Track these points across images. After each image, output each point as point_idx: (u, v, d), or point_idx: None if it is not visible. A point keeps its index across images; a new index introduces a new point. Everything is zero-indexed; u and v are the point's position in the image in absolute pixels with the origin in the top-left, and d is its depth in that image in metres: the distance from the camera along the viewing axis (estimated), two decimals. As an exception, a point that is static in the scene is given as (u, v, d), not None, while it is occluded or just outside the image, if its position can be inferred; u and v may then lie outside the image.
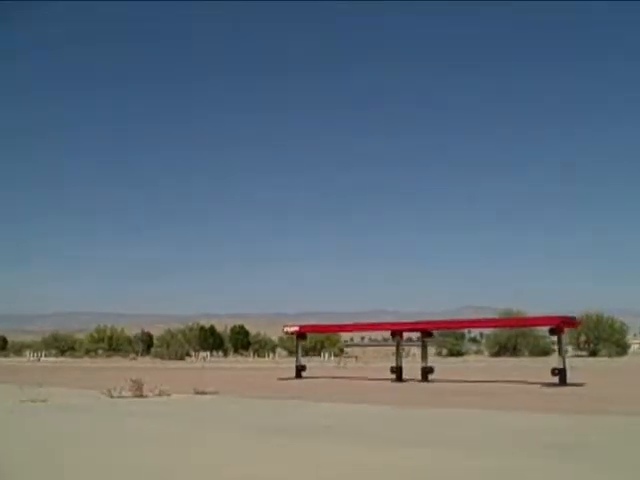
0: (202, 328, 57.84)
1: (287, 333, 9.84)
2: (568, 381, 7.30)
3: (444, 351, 54.45)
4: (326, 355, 45.92)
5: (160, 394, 5.73)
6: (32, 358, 41.91)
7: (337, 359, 30.33)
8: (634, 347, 54.14)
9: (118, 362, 29.04)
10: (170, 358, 48.23)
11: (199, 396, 5.73)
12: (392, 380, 8.14)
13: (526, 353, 46.42)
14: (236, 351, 57.92)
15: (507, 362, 20.29)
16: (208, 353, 52.07)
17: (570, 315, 7.45)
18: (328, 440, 2.76)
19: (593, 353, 45.13)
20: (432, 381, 8.01)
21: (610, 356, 40.83)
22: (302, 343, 9.38)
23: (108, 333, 56.15)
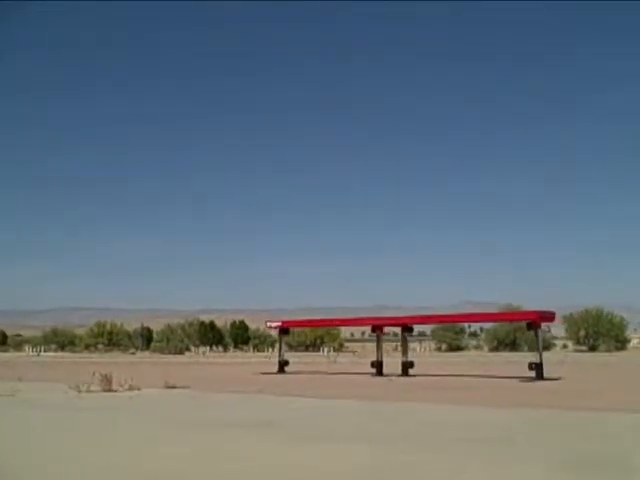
0: (202, 323, 57.86)
1: (270, 328, 9.80)
2: (547, 375, 7.27)
3: (444, 346, 54.49)
4: (326, 350, 45.97)
5: (130, 389, 5.70)
6: (31, 353, 42.00)
7: (331, 354, 30.33)
8: (634, 342, 54.07)
9: (117, 357, 29.10)
10: (170, 353, 48.25)
11: (169, 390, 5.71)
12: (372, 375, 8.11)
13: (525, 348, 46.42)
14: (236, 346, 57.95)
15: (502, 357, 20.29)
16: (208, 348, 52.13)
17: (549, 310, 7.40)
18: (257, 435, 2.74)
19: (593, 348, 45.08)
20: (412, 375, 7.97)
21: (609, 351, 40.77)
22: (285, 338, 9.31)
23: (108, 328, 56.19)
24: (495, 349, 45.45)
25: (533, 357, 24.41)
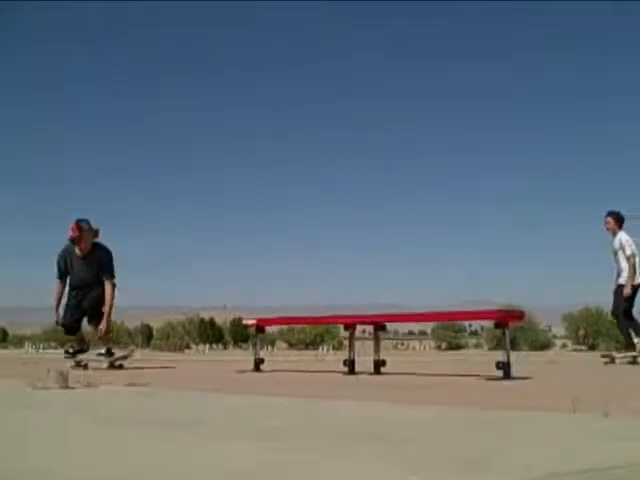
0: (202, 320, 58.05)
1: (246, 326, 9.80)
2: (518, 375, 7.26)
3: (443, 345, 54.59)
4: (324, 348, 46.12)
5: (87, 386, 5.71)
6: (30, 350, 42.17)
7: (319, 353, 30.36)
8: (634, 341, 53.90)
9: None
10: (169, 350, 48.42)
11: (126, 388, 5.71)
12: (344, 373, 8.11)
13: (525, 347, 46.42)
14: (236, 343, 58.13)
15: (497, 356, 20.19)
16: (207, 345, 52.28)
17: (517, 309, 7.37)
18: (173, 433, 2.78)
19: (592, 347, 45.04)
20: (383, 374, 7.97)
21: (609, 350, 40.71)
22: (261, 336, 9.32)
23: (108, 325, 56.32)
24: (495, 348, 45.48)
25: (523, 356, 24.11)
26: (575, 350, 44.13)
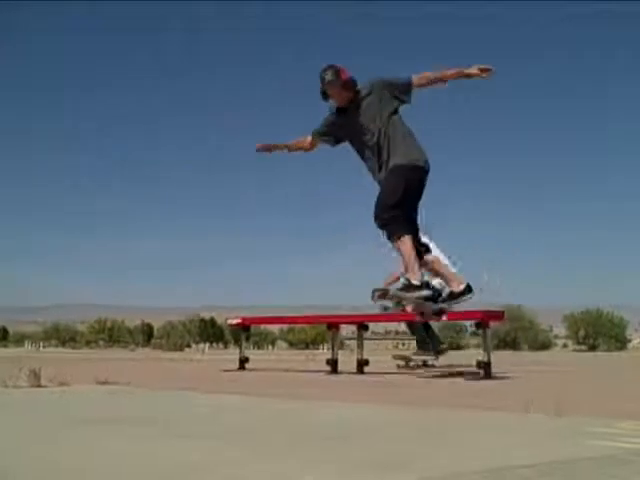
0: (202, 320, 58.13)
1: (230, 325, 9.81)
2: (500, 375, 7.27)
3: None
4: (324, 348, 46.17)
5: (60, 384, 5.72)
6: (30, 348, 42.31)
7: (309, 352, 30.35)
8: (634, 342, 53.86)
9: (114, 353, 29.24)
10: (169, 349, 48.54)
11: (98, 386, 5.73)
12: (327, 373, 8.12)
13: (525, 347, 46.37)
14: (236, 343, 58.12)
15: (495, 355, 20.19)
16: (207, 345, 52.37)
17: (497, 309, 7.38)
18: (124, 432, 2.82)
19: (593, 348, 44.96)
20: (366, 373, 7.98)
21: (609, 351, 40.66)
22: (245, 335, 9.33)
23: (109, 324, 56.57)
24: (495, 348, 45.41)
25: (534, 356, 24.17)
26: (576, 350, 44.10)
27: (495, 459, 2.20)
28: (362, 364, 8.38)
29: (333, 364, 8.37)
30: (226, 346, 56.74)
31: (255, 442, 2.58)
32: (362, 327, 8.49)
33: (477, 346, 55.56)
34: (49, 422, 3.24)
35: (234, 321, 9.56)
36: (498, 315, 7.38)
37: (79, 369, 9.84)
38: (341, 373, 8.38)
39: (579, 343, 47.34)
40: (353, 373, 8.35)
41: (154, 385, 6.34)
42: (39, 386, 5.67)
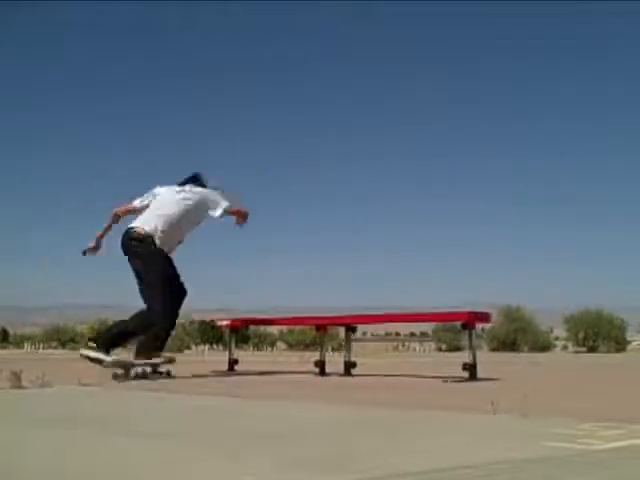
0: (203, 322, 58.15)
1: (220, 327, 9.82)
2: (487, 377, 7.27)
3: (444, 346, 54.49)
4: (324, 349, 45.85)
5: (41, 385, 5.73)
6: (29, 350, 42.32)
7: (303, 355, 30.30)
8: (634, 343, 53.74)
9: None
10: (169, 351, 48.36)
11: (78, 387, 5.74)
12: (315, 374, 8.12)
13: (525, 349, 46.25)
14: (236, 345, 58.12)
15: (496, 356, 20.30)
16: (207, 347, 52.40)
17: (483, 310, 7.36)
18: (76, 431, 2.86)
19: (592, 349, 44.84)
20: (353, 375, 7.99)
21: (609, 352, 40.54)
22: (234, 336, 9.34)
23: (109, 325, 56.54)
24: (495, 350, 45.31)
25: (534, 357, 24.17)
26: (576, 352, 44.01)
27: (441, 460, 2.20)
28: (349, 366, 8.37)
29: (321, 366, 8.37)
30: (226, 348, 56.72)
31: (200, 441, 2.59)
32: (350, 329, 8.48)
33: (478, 347, 55.56)
34: (14, 423, 3.26)
35: (223, 323, 9.57)
36: (484, 316, 7.37)
37: (70, 370, 9.84)
38: (329, 375, 8.38)
39: (579, 345, 47.21)
40: (341, 375, 8.35)
41: (131, 385, 6.35)
42: (20, 387, 5.69)
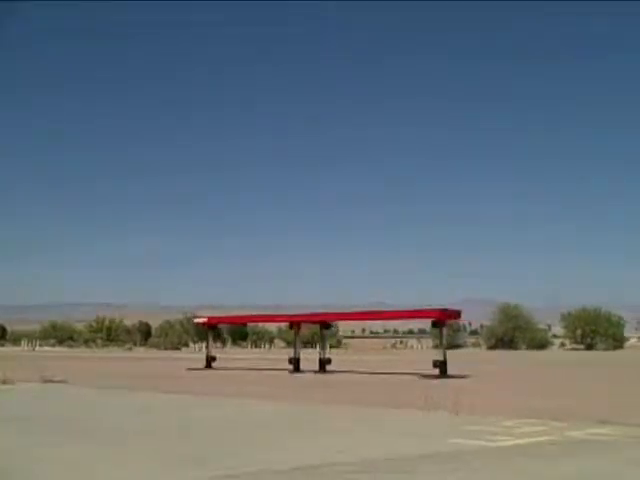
0: (200, 319, 57.96)
1: (197, 324, 9.81)
2: (458, 374, 7.27)
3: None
4: (318, 346, 45.86)
5: (3, 383, 5.74)
6: (26, 347, 42.30)
7: (294, 351, 30.34)
8: (632, 341, 53.56)
9: (109, 352, 29.34)
10: (166, 348, 48.46)
11: (41, 385, 5.75)
12: (290, 371, 8.12)
13: (523, 347, 46.04)
14: (234, 342, 58.08)
15: (490, 354, 20.33)
16: (204, 343, 52.23)
17: (453, 308, 7.34)
18: (10, 429, 2.83)
19: (590, 346, 44.67)
20: (327, 372, 7.99)
21: (607, 349, 40.36)
22: (212, 333, 9.32)
23: (107, 323, 56.45)
24: (493, 347, 45.13)
25: (527, 355, 24.21)
26: (573, 349, 43.85)
27: (327, 456, 2.19)
28: (324, 363, 8.36)
29: (295, 363, 8.36)
30: (224, 345, 56.63)
31: (83, 436, 2.58)
32: (324, 326, 8.47)
33: (476, 345, 55.38)
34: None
35: (200, 320, 9.57)
36: (454, 314, 7.35)
37: (47, 367, 9.84)
38: (303, 372, 8.37)
39: (576, 342, 46.97)
40: (315, 372, 8.34)
41: (96, 383, 6.35)
42: (-21, 384, 5.69)
